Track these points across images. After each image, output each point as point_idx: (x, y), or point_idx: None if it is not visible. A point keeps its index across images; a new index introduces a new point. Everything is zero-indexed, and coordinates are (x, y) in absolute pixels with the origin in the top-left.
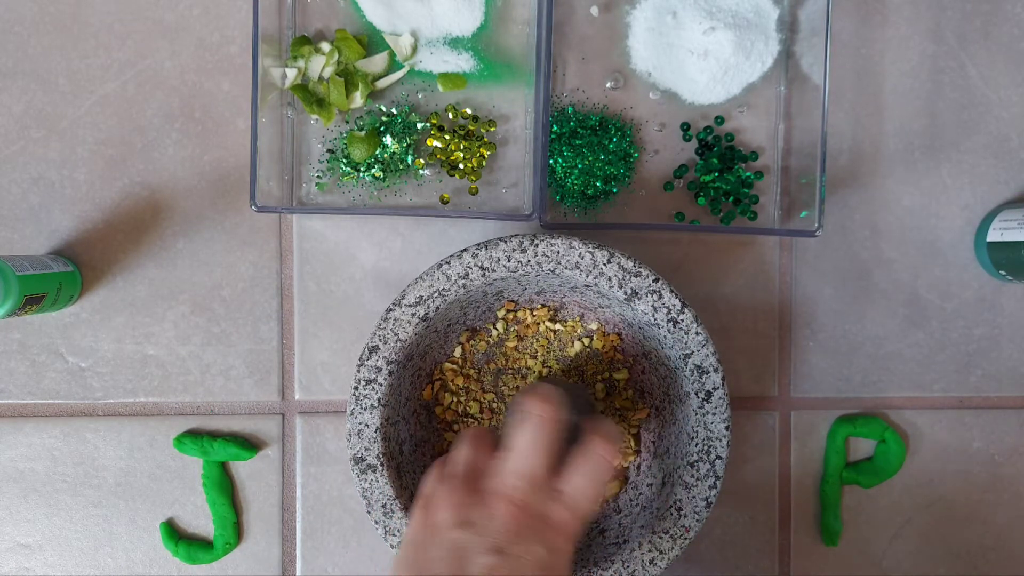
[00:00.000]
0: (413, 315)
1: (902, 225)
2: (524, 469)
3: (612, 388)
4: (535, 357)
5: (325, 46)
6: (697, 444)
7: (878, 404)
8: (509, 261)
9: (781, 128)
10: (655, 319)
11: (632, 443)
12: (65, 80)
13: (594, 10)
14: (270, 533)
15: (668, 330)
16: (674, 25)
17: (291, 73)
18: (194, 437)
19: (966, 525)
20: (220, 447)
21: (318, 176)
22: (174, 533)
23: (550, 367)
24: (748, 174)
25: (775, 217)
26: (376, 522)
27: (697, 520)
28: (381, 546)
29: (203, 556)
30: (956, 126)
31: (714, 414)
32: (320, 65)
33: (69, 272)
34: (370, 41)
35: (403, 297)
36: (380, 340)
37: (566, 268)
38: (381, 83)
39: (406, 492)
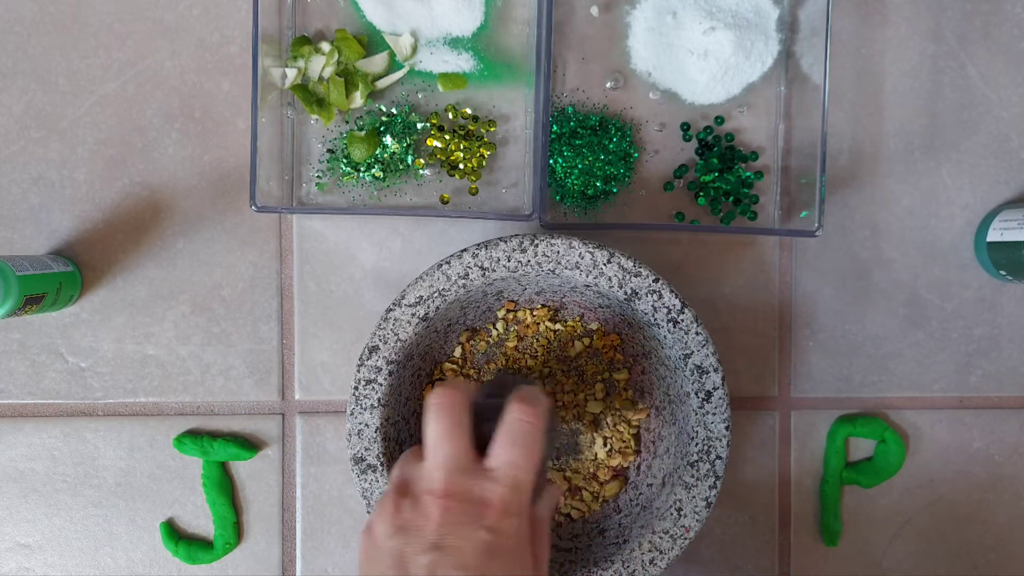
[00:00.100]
0: (413, 315)
1: (902, 225)
2: (440, 459)
3: (612, 388)
4: (535, 357)
5: (325, 46)
6: (697, 444)
7: (878, 404)
8: (509, 261)
9: (781, 128)
10: (655, 319)
11: (632, 443)
12: (65, 80)
13: (594, 10)
14: (270, 533)
15: (668, 330)
16: (674, 25)
17: (291, 73)
18: (194, 437)
19: (966, 525)
20: (220, 447)
21: (318, 176)
22: (174, 533)
23: (550, 367)
24: (748, 174)
25: (775, 217)
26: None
27: (697, 520)
28: None
29: (203, 556)
30: (956, 126)
31: (714, 414)
32: (320, 65)
33: (69, 272)
34: (370, 41)
35: (403, 297)
36: (380, 340)
37: (566, 268)
38: (381, 83)
39: None
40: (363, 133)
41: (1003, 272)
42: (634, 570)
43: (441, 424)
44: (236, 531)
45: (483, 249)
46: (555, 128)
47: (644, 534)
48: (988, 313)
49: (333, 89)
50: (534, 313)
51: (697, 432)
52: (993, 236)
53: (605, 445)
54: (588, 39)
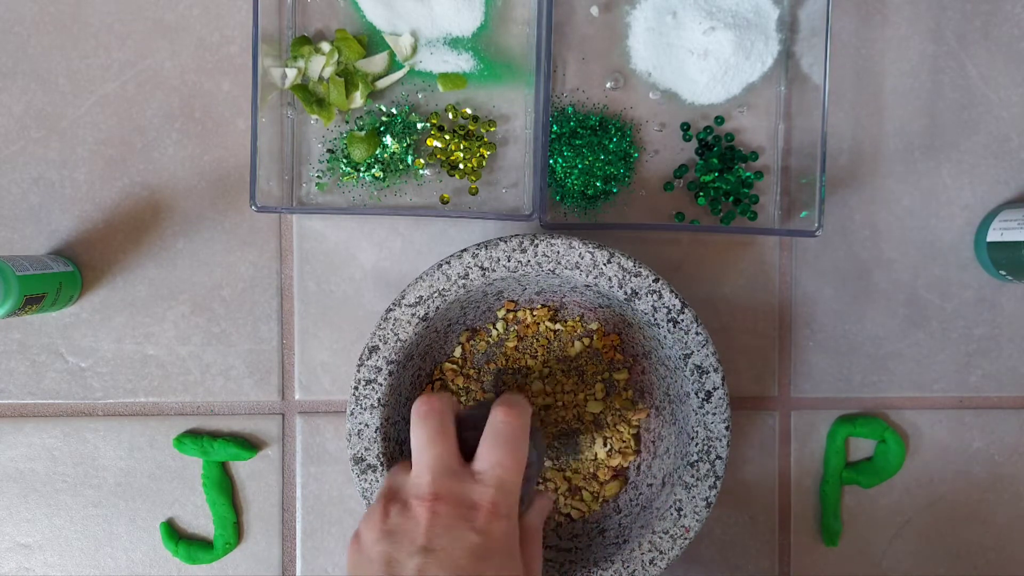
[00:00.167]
0: (413, 315)
1: (902, 225)
2: (427, 463)
3: (612, 388)
4: (535, 357)
5: (325, 46)
6: (697, 444)
7: (878, 404)
8: (509, 261)
9: (781, 128)
10: (655, 319)
11: (632, 443)
12: (65, 80)
13: (594, 10)
14: (270, 533)
15: (668, 330)
16: (674, 25)
17: (291, 73)
18: (194, 437)
19: (966, 525)
20: (220, 447)
21: (318, 176)
22: (174, 533)
23: (550, 367)
24: (748, 174)
25: (775, 217)
26: None
27: (697, 520)
28: None
29: (203, 556)
30: (956, 126)
31: (714, 414)
32: (320, 65)
33: (69, 272)
34: (370, 41)
35: (403, 297)
36: (380, 340)
37: (566, 268)
38: (381, 83)
39: None
40: (363, 133)
41: (1003, 272)
42: (634, 570)
43: (426, 430)
44: (236, 531)
45: (483, 249)
46: (555, 128)
47: (644, 534)
48: (988, 313)
49: (333, 89)
50: (534, 313)
51: (697, 432)
52: (993, 236)
53: (605, 445)
54: (588, 39)
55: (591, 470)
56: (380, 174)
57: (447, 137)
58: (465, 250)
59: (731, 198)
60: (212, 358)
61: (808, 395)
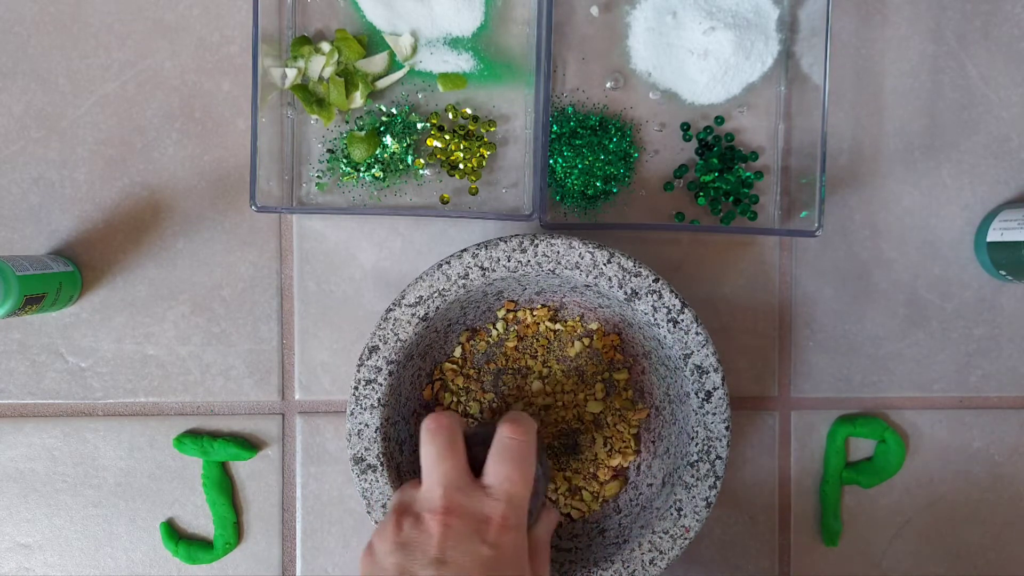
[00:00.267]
0: (413, 315)
1: (902, 225)
2: (437, 478)
3: (612, 388)
4: (535, 357)
5: (325, 46)
6: (697, 444)
7: (878, 404)
8: (509, 261)
9: (781, 128)
10: (655, 319)
11: (632, 443)
12: (65, 80)
13: (594, 10)
14: (270, 533)
15: (668, 330)
16: (674, 25)
17: (291, 73)
18: (194, 437)
19: (966, 525)
20: (220, 447)
21: (318, 176)
22: (174, 533)
23: (550, 367)
24: (748, 174)
25: (775, 217)
26: (376, 522)
27: (697, 520)
28: None
29: (203, 556)
30: (956, 126)
31: (714, 414)
32: (320, 65)
33: (69, 272)
34: (370, 41)
35: (403, 297)
36: (380, 340)
37: (566, 268)
38: (381, 83)
39: None
40: (363, 133)
41: (1003, 272)
42: (634, 570)
43: (436, 445)
44: (236, 531)
45: (483, 249)
46: (555, 128)
47: (644, 534)
48: (988, 313)
49: (333, 89)
50: (534, 313)
51: (697, 432)
52: (993, 236)
53: (605, 445)
54: (588, 39)
55: (591, 470)
56: (380, 174)
57: (447, 137)
58: (465, 250)
59: (731, 198)
60: (212, 358)
61: (808, 395)
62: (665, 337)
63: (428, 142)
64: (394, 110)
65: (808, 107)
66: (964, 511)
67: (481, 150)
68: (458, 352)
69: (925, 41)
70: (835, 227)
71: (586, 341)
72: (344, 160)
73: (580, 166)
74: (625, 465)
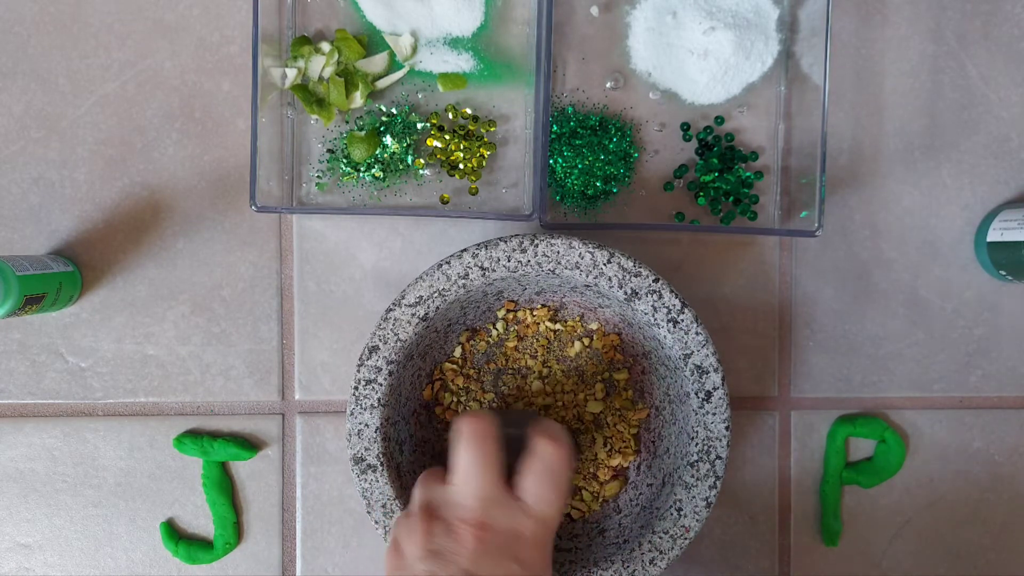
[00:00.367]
0: (413, 315)
1: (902, 225)
2: (474, 489)
3: (612, 388)
4: (535, 357)
5: (325, 46)
6: (697, 444)
7: (878, 404)
8: (509, 261)
9: (781, 128)
10: (655, 319)
11: (632, 443)
12: (65, 80)
13: (594, 10)
14: (270, 533)
15: (668, 330)
16: (674, 25)
17: (291, 73)
18: (194, 437)
19: (966, 525)
20: (220, 447)
21: (318, 176)
22: (174, 533)
23: (550, 367)
24: (748, 174)
25: (775, 217)
26: (376, 522)
27: (697, 520)
28: (381, 546)
29: (203, 556)
30: (956, 126)
31: (714, 414)
32: (320, 65)
33: (69, 272)
34: (370, 41)
35: (403, 297)
36: (380, 340)
37: (566, 268)
38: (381, 83)
39: (406, 492)
40: (363, 133)
41: (1003, 272)
42: (634, 570)
43: (475, 453)
44: (236, 531)
45: (483, 249)
46: (555, 128)
47: (644, 534)
48: (988, 313)
49: (333, 89)
50: (534, 313)
51: (697, 432)
52: (993, 236)
53: (605, 445)
54: (588, 39)
55: (591, 470)
56: (380, 174)
57: (447, 137)
58: (465, 250)
59: (731, 198)
60: (212, 358)
61: (808, 395)
62: (665, 337)
63: (428, 142)
64: (394, 110)
65: (808, 107)
66: (964, 511)
67: (481, 150)
68: (458, 352)
69: (925, 41)
70: (835, 227)
71: (586, 341)
72: (344, 160)
73: (580, 166)
74: (625, 465)
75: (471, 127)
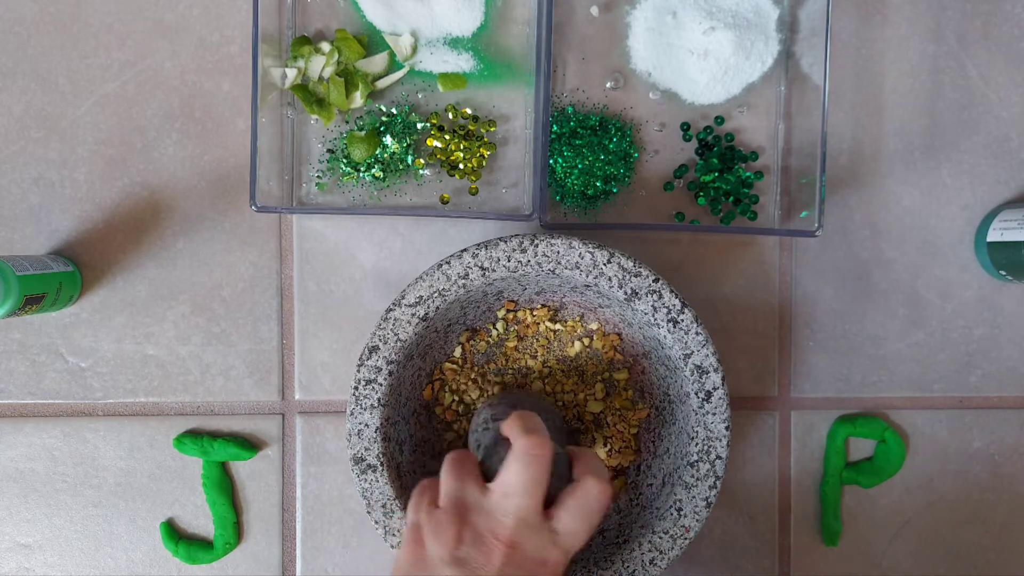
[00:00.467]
0: (413, 315)
1: (902, 225)
2: (519, 511)
3: (612, 388)
4: (535, 357)
5: (325, 46)
6: (697, 444)
7: (878, 404)
8: (509, 261)
9: (781, 128)
10: (655, 319)
11: (632, 443)
12: (65, 80)
13: (594, 10)
14: (270, 533)
15: (668, 330)
16: (674, 25)
17: (291, 73)
18: (194, 437)
19: (966, 525)
20: (220, 447)
21: (318, 176)
22: (174, 533)
23: (550, 367)
24: (748, 174)
25: (775, 217)
26: (376, 522)
27: (697, 520)
28: (381, 546)
29: (203, 556)
30: (956, 126)
31: (714, 414)
32: (320, 65)
33: (69, 272)
34: (370, 41)
35: (403, 297)
36: (380, 340)
37: (566, 268)
38: (381, 83)
39: (406, 492)
40: (363, 133)
41: (1003, 272)
42: (634, 570)
43: (529, 475)
44: (236, 531)
45: (483, 249)
46: (555, 128)
47: (644, 534)
48: (988, 313)
49: (333, 89)
50: (534, 313)
51: (697, 432)
52: (993, 236)
53: (605, 445)
54: (588, 39)
55: None
56: (380, 174)
57: (447, 137)
58: (465, 250)
59: (731, 198)
60: (212, 358)
61: (808, 395)
62: (665, 337)
63: (428, 142)
64: (394, 110)
65: (808, 107)
66: (964, 511)
67: (481, 150)
68: (458, 352)
69: (925, 41)
70: (835, 227)
71: (586, 341)
72: (344, 160)
73: (580, 166)
74: (625, 465)
75: (471, 127)
